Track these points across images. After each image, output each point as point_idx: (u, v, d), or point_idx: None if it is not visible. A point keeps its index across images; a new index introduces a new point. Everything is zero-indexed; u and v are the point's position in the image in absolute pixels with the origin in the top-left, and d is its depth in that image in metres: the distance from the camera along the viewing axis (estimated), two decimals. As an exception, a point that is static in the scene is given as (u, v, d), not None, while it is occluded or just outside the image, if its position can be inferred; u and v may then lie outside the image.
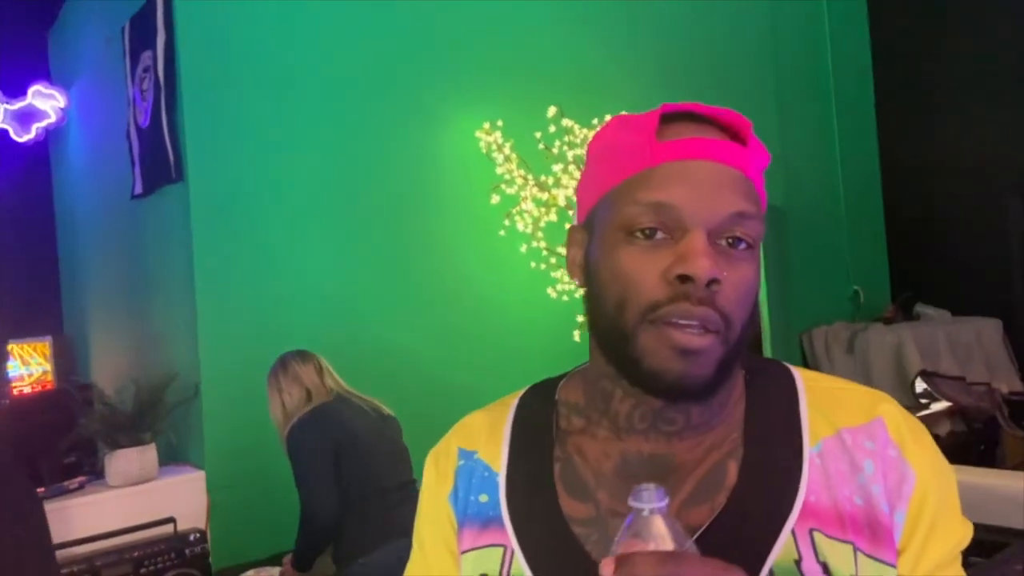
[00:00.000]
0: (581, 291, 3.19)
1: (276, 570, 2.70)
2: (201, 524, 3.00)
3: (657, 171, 0.62)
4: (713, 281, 0.58)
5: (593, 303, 0.67)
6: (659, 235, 0.61)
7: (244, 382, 3.08)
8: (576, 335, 3.66)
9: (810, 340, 5.05)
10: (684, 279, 0.58)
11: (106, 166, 4.05)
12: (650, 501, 0.52)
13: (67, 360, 4.63)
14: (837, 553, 0.60)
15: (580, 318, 3.67)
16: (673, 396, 0.62)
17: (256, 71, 3.31)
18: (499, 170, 3.78)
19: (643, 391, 0.64)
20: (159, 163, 3.32)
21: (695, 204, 0.60)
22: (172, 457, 3.18)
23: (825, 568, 0.60)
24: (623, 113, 0.73)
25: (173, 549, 2.82)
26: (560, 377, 0.77)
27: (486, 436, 0.75)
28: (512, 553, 0.67)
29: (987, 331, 4.93)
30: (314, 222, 3.43)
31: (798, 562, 0.60)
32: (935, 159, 5.47)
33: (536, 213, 3.73)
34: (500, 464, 0.72)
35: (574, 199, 3.76)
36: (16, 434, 2.70)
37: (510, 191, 3.75)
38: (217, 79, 3.23)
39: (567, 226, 3.51)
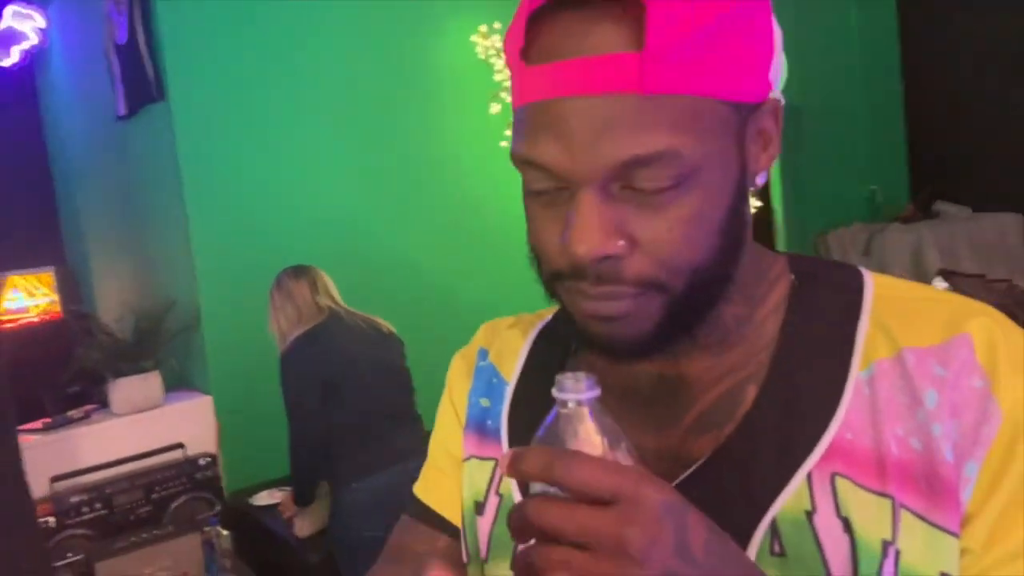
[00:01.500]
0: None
1: (288, 491, 2.71)
2: (211, 448, 3.00)
3: (524, 114, 0.48)
4: (605, 258, 0.46)
5: None
6: (554, 190, 0.48)
7: (245, 304, 3.02)
8: (583, 246, 3.56)
9: (826, 244, 4.92)
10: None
11: (90, 88, 3.88)
12: (575, 392, 0.42)
13: (71, 290, 4.60)
14: (867, 508, 0.47)
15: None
16: (616, 359, 0.52)
17: (234, -23, 3.11)
18: (497, 76, 3.60)
19: None
20: (140, 81, 3.17)
21: (568, 162, 0.46)
22: (178, 383, 3.16)
23: (847, 524, 0.47)
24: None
25: (184, 474, 2.83)
26: None
27: (508, 344, 0.68)
28: None
29: (1008, 226, 4.78)
30: (307, 136, 3.29)
31: (810, 514, 0.48)
32: (957, 49, 5.18)
33: (538, 121, 3.57)
34: (512, 375, 0.65)
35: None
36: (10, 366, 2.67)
37: (510, 99, 3.58)
38: (193, -13, 3.04)
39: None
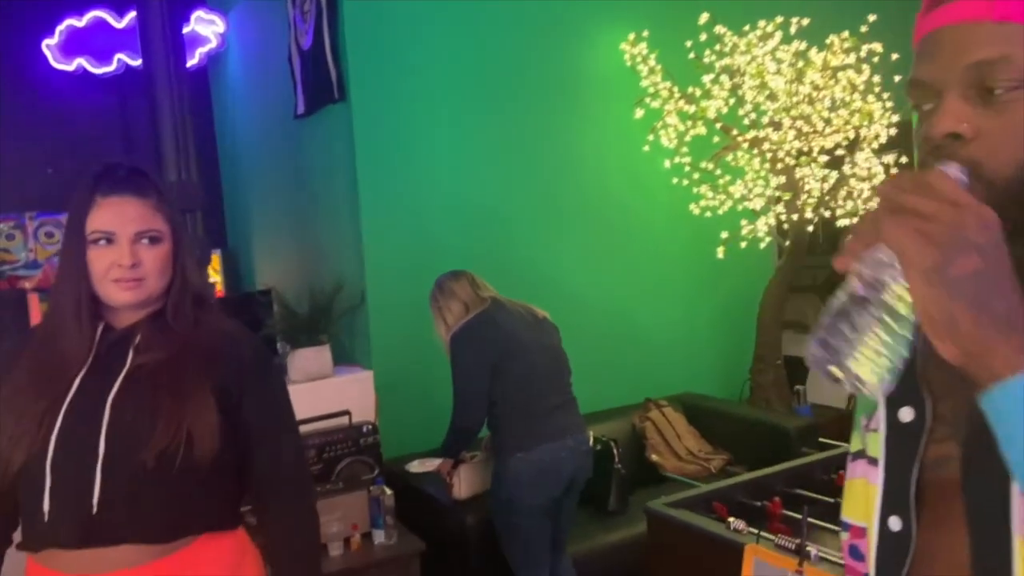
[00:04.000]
0: (725, 208, 3.28)
1: (438, 460, 2.96)
2: (371, 417, 3.29)
3: (916, 54, 0.66)
4: (950, 135, 0.61)
5: None
6: (926, 107, 0.65)
7: (405, 290, 3.31)
8: (720, 252, 3.66)
9: None
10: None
11: (266, 88, 4.29)
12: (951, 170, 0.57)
13: (233, 271, 5.05)
14: None
15: (724, 234, 3.66)
16: None
17: (410, -10, 3.41)
18: (644, 83, 3.75)
19: None
20: (321, 84, 3.51)
21: (935, 72, 0.62)
22: (344, 358, 3.48)
23: None
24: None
25: (349, 439, 3.11)
26: None
27: None
28: None
29: None
30: (466, 137, 3.56)
31: None
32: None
33: (681, 127, 3.70)
34: None
35: (723, 112, 3.68)
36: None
37: (654, 104, 3.73)
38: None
39: (714, 139, 3.40)
